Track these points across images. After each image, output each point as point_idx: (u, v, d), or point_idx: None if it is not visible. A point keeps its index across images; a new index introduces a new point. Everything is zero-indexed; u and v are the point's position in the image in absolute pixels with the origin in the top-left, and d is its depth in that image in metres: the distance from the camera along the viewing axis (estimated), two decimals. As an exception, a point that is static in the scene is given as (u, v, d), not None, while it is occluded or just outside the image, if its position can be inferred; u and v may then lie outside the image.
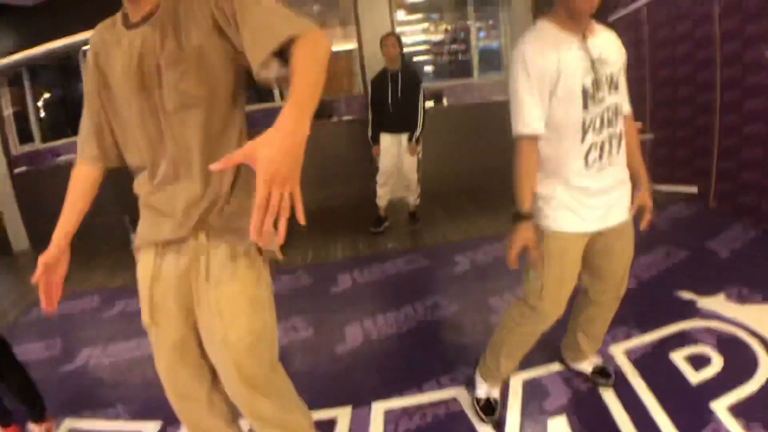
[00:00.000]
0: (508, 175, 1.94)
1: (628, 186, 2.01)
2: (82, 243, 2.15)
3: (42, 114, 7.20)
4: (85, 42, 6.35)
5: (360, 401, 2.41)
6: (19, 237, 6.42)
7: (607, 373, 2.40)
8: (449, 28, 7.87)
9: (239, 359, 1.45)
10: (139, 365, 3.12)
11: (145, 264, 1.53)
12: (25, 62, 6.54)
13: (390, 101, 4.75)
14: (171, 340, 1.52)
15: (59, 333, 3.69)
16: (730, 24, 4.20)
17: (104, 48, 1.42)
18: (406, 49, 5.58)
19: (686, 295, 3.11)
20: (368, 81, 5.18)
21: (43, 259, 1.41)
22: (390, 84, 4.74)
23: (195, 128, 1.38)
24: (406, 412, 2.35)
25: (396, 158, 4.89)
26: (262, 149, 0.94)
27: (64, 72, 7.87)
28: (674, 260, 3.68)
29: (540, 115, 1.82)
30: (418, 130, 4.81)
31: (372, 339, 3.10)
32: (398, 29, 6.43)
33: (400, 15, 7.30)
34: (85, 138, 1.53)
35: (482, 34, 7.47)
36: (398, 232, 5.05)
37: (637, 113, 4.57)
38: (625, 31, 5.48)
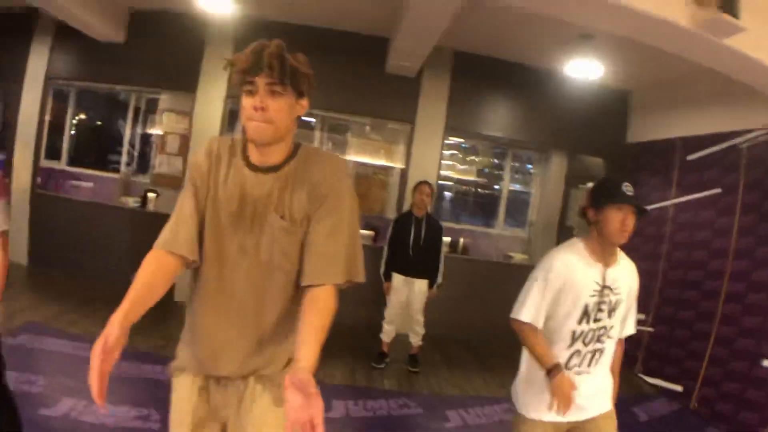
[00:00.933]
0: (510, 338, 2.29)
1: (607, 394, 2.35)
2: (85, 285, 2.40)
3: (72, 132, 7.66)
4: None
5: None
6: (19, 250, 6.64)
7: None
8: (484, 169, 8.44)
9: None
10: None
11: (189, 387, 1.70)
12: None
13: (411, 245, 5.00)
14: None
15: (43, 371, 3.76)
16: (744, 243, 4.70)
17: (218, 164, 1.66)
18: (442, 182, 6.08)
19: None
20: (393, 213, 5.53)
21: (103, 345, 1.30)
22: (413, 229, 4.99)
23: (280, 284, 1.62)
24: None
25: (405, 299, 5.13)
26: (302, 376, 1.24)
27: (108, 103, 8.44)
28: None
29: (542, 315, 2.23)
30: (440, 278, 5.11)
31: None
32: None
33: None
34: (177, 229, 1.61)
35: (516, 186, 7.97)
36: (396, 369, 5.16)
37: (643, 305, 4.98)
38: (649, 224, 6.02)
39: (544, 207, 7.31)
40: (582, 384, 2.23)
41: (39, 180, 6.78)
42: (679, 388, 5.21)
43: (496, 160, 8.28)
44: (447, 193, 8.42)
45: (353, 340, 5.49)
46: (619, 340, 2.37)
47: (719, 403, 4.70)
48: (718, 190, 5.09)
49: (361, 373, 4.92)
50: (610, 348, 2.29)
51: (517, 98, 6.70)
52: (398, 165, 7.00)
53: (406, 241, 5.00)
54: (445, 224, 5.55)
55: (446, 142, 7.08)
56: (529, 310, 2.23)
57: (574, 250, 2.27)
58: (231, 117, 6.60)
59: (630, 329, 2.40)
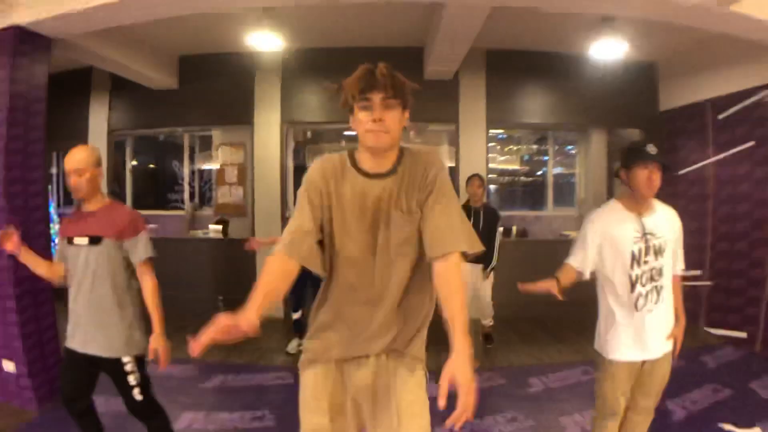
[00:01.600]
0: (574, 309, 2.83)
1: (667, 329, 2.85)
2: (173, 314, 2.98)
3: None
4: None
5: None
6: None
7: None
8: (525, 150, 9.00)
9: None
10: (242, 430, 3.94)
11: (323, 375, 1.99)
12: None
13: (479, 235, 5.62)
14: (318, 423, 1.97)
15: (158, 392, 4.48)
16: None
17: (333, 178, 1.92)
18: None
19: (727, 426, 3.84)
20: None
21: (234, 322, 1.60)
22: (472, 219, 5.51)
23: (403, 268, 1.91)
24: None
25: (472, 286, 5.65)
26: (461, 377, 1.57)
27: (160, 146, 9.18)
28: (720, 397, 4.42)
29: (588, 265, 2.79)
30: (494, 262, 5.64)
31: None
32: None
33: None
34: (299, 239, 1.86)
35: (559, 169, 8.50)
36: (475, 351, 5.79)
37: (698, 262, 5.46)
38: (691, 186, 6.53)
39: (591, 183, 7.85)
40: (653, 322, 2.74)
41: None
42: (743, 334, 5.66)
43: (536, 146, 8.86)
44: (491, 186, 8.97)
45: (434, 332, 6.06)
46: (674, 277, 2.89)
47: (784, 343, 5.13)
48: (751, 143, 5.58)
49: (445, 356, 5.51)
50: (667, 285, 2.79)
51: (550, 85, 7.24)
52: (448, 164, 7.59)
53: None
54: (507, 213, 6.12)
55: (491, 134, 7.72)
56: (575, 257, 2.81)
57: (609, 208, 2.83)
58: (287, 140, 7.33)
59: (680, 266, 2.93)
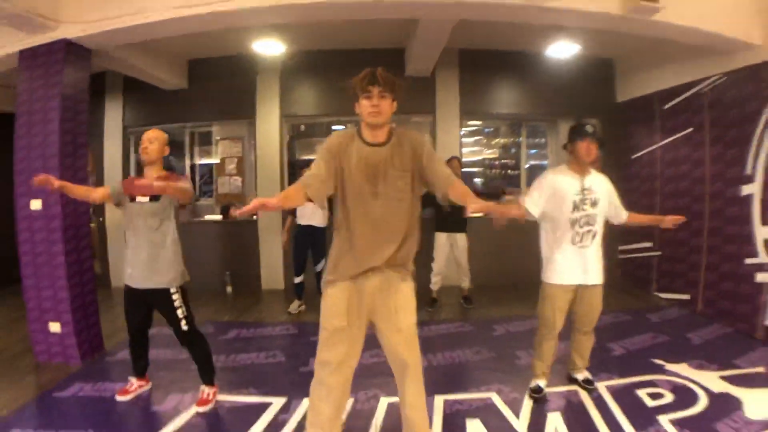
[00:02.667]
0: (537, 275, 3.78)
1: (599, 271, 3.86)
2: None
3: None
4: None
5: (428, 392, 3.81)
6: (119, 275, 7.97)
7: (591, 382, 4.16)
8: (503, 143, 9.89)
9: (406, 340, 2.84)
10: (263, 366, 4.86)
11: (341, 289, 2.78)
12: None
13: (450, 208, 6.35)
14: (353, 336, 2.79)
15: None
16: (716, 169, 5.98)
17: (344, 147, 2.70)
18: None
19: (658, 361, 4.71)
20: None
21: (264, 202, 2.29)
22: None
23: (400, 210, 2.75)
24: (459, 403, 3.97)
25: (449, 254, 6.61)
26: (475, 200, 2.50)
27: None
28: (657, 342, 5.29)
29: (539, 209, 3.75)
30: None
31: (435, 365, 4.78)
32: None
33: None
34: (313, 180, 2.61)
35: (533, 152, 9.35)
36: (452, 310, 6.72)
37: (649, 234, 6.40)
38: (643, 167, 7.45)
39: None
40: (583, 255, 3.76)
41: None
42: (686, 296, 6.54)
43: (512, 139, 9.72)
44: (472, 169, 9.87)
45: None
46: (630, 216, 3.98)
47: (719, 302, 5.93)
48: (690, 129, 6.46)
49: (422, 314, 6.39)
50: (600, 231, 3.80)
51: (518, 80, 8.12)
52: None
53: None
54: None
55: (472, 128, 8.89)
56: (531, 200, 3.75)
57: (559, 170, 3.84)
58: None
59: (622, 216, 3.93)
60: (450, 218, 6.43)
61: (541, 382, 4.06)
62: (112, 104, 8.18)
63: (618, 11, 4.69)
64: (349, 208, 2.76)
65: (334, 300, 2.81)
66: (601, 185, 3.81)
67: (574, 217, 3.74)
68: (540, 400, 3.96)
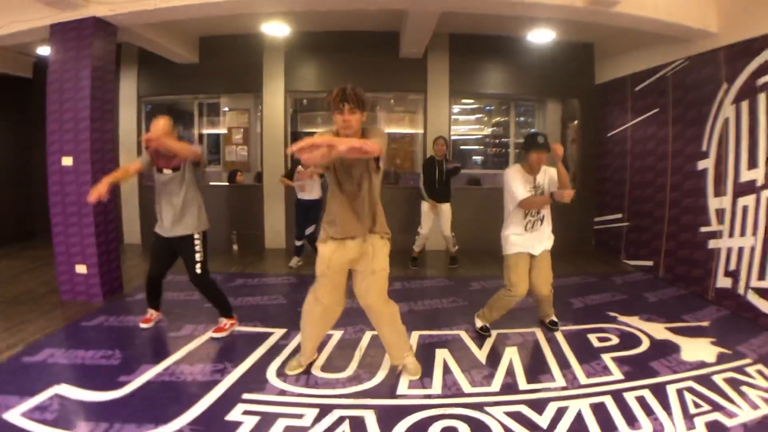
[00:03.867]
0: None
1: (550, 238, 4.56)
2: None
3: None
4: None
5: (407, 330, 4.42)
6: (134, 232, 8.90)
7: (555, 323, 4.87)
8: (497, 121, 10.53)
9: (377, 281, 3.52)
10: (266, 306, 5.54)
11: (330, 246, 3.46)
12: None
13: (437, 180, 7.05)
14: (333, 282, 3.53)
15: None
16: (677, 146, 6.54)
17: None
18: (459, 137, 8.67)
19: (612, 313, 5.33)
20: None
21: (314, 142, 2.58)
22: (437, 169, 7.04)
23: (369, 194, 3.40)
24: (431, 336, 4.66)
25: (434, 222, 7.22)
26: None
27: (170, 112, 10.33)
28: (615, 299, 5.89)
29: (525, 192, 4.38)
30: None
31: (415, 310, 5.44)
32: (452, 117, 9.17)
33: (456, 107, 10.13)
34: None
35: (521, 131, 9.90)
36: (437, 270, 7.36)
37: (619, 207, 7.13)
38: (616, 145, 8.06)
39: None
40: (535, 236, 4.47)
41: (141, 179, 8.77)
42: (650, 263, 7.16)
43: (504, 118, 10.36)
44: (469, 147, 10.68)
45: (400, 255, 7.54)
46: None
47: (677, 267, 6.52)
48: (656, 110, 7.04)
49: (411, 271, 7.20)
50: (546, 216, 4.49)
51: (503, 62, 8.68)
52: (419, 130, 9.13)
53: (433, 176, 7.06)
54: (469, 171, 8.18)
55: (473, 106, 9.60)
56: (522, 193, 4.34)
57: (517, 169, 4.43)
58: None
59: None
60: (439, 189, 7.05)
61: (487, 324, 4.80)
62: (127, 75, 8.72)
63: (581, 3, 5.26)
64: (335, 189, 3.42)
65: (324, 256, 3.52)
66: (546, 178, 4.42)
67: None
68: (485, 336, 4.68)
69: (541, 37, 7.25)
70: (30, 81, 9.03)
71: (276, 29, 7.19)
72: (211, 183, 9.20)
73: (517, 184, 4.30)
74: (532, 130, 9.22)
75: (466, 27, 8.02)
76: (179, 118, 9.81)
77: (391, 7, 5.88)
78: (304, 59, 8.49)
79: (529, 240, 4.45)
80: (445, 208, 7.16)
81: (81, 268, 5.57)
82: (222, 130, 9.62)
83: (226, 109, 9.45)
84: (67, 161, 5.46)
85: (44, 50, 6.95)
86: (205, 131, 9.89)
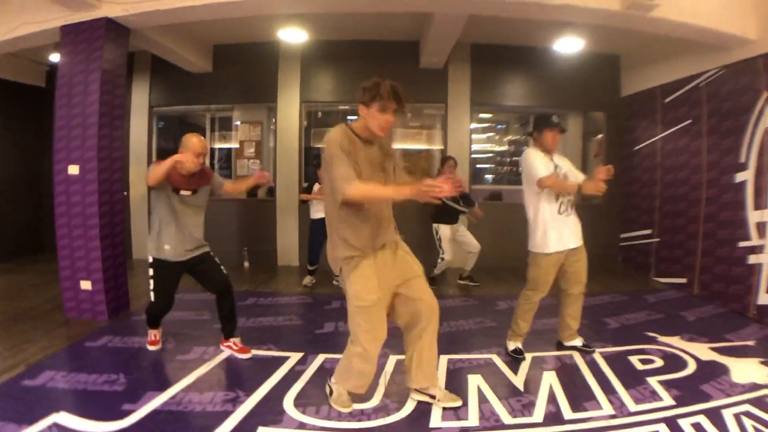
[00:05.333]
0: None
1: (579, 226, 4.19)
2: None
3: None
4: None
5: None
6: (141, 247, 8.38)
7: (590, 346, 4.43)
8: (511, 139, 10.17)
9: (424, 280, 3.28)
10: (281, 327, 5.14)
11: (369, 262, 3.05)
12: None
13: (451, 201, 6.62)
14: (384, 304, 3.13)
15: (205, 307, 5.43)
16: (712, 158, 6.19)
17: (350, 143, 2.88)
18: (474, 156, 8.29)
19: (651, 333, 4.94)
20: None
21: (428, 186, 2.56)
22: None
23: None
24: (461, 361, 4.25)
25: (455, 245, 6.84)
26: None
27: (181, 125, 10.14)
28: (652, 318, 5.51)
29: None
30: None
31: (440, 332, 4.95)
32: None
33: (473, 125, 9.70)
34: (350, 174, 2.78)
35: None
36: (458, 289, 6.97)
37: (648, 222, 6.68)
38: (644, 159, 7.67)
39: (567, 158, 9.04)
40: (569, 222, 4.09)
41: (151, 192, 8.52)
42: (683, 280, 6.75)
43: (522, 136, 10.05)
44: (483, 165, 10.33)
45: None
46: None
47: (714, 284, 6.14)
48: (689, 121, 6.67)
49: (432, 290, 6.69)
50: (571, 200, 4.13)
51: (527, 74, 8.35)
52: (438, 147, 8.80)
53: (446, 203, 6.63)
54: (487, 186, 7.87)
55: (485, 125, 9.24)
56: (545, 171, 3.99)
57: (534, 149, 4.17)
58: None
59: (581, 176, 4.18)
60: (453, 210, 6.67)
61: (520, 345, 4.42)
62: (140, 84, 8.45)
63: (616, 7, 4.94)
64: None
65: (365, 272, 3.09)
66: (562, 162, 4.20)
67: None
68: (520, 360, 4.28)
69: (567, 46, 6.87)
70: (43, 90, 8.82)
71: (293, 35, 6.85)
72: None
73: (538, 162, 4.02)
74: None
75: (488, 37, 7.73)
76: (191, 132, 9.46)
77: (416, 9, 5.60)
78: (321, 68, 8.19)
79: (566, 227, 4.11)
80: (462, 227, 6.88)
81: (86, 285, 5.21)
82: (234, 145, 9.31)
83: (238, 123, 9.12)
84: (73, 170, 5.13)
85: (57, 57, 6.69)
86: (217, 145, 9.60)
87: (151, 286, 4.16)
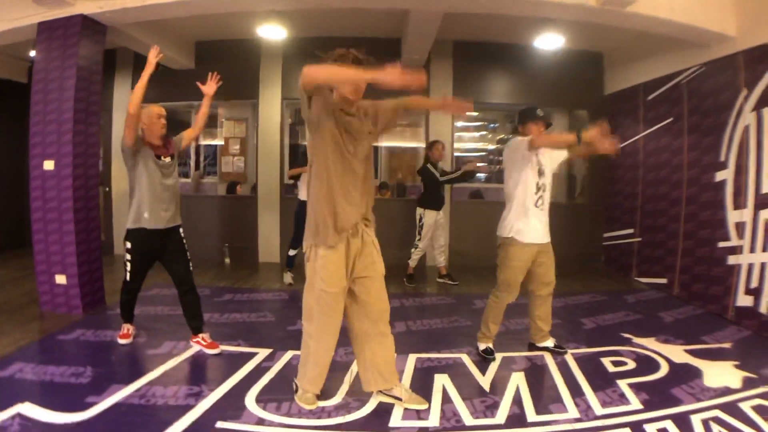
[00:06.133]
0: None
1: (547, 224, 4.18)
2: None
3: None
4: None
5: (402, 352, 4.20)
6: (122, 242, 8.43)
7: (562, 347, 4.42)
8: (501, 137, 10.21)
9: (382, 283, 3.21)
10: (253, 323, 5.15)
11: (339, 253, 3.04)
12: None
13: (439, 186, 6.72)
14: (342, 286, 3.10)
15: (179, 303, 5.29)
16: (693, 156, 6.18)
17: (339, 113, 2.95)
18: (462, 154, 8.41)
19: (626, 335, 4.93)
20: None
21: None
22: (438, 171, 6.67)
23: (369, 170, 3.17)
24: (430, 360, 4.26)
25: (433, 232, 6.85)
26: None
27: (174, 125, 10.17)
28: (629, 319, 5.50)
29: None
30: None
31: (413, 330, 5.06)
32: (457, 134, 8.83)
33: (459, 123, 9.73)
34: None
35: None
36: (436, 286, 6.98)
37: (630, 222, 6.68)
38: (627, 157, 7.66)
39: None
40: (541, 216, 4.10)
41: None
42: (664, 280, 6.76)
43: (508, 135, 10.00)
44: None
45: (395, 271, 7.15)
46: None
47: (693, 285, 6.13)
48: (670, 119, 6.67)
49: (409, 288, 6.79)
50: (547, 196, 4.12)
51: (510, 71, 8.36)
52: (421, 144, 8.79)
53: (436, 182, 6.67)
54: (474, 184, 7.90)
55: (475, 123, 9.40)
56: (525, 142, 3.98)
57: (520, 140, 4.09)
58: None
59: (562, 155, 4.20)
60: (439, 195, 6.71)
61: (491, 345, 4.41)
62: (122, 80, 8.45)
63: (592, 3, 4.94)
64: (335, 167, 3.02)
65: (332, 260, 3.10)
66: (549, 157, 4.15)
67: (537, 183, 4.10)
68: (490, 360, 4.29)
69: (548, 43, 6.85)
70: (25, 86, 8.76)
71: (272, 32, 6.82)
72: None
73: (523, 143, 4.02)
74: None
75: (471, 34, 7.73)
76: (176, 128, 9.48)
77: (391, 6, 5.60)
78: (303, 65, 8.06)
79: (539, 222, 4.12)
80: (443, 215, 6.88)
81: (61, 279, 5.24)
82: (219, 141, 9.33)
83: (224, 119, 9.14)
84: (48, 165, 5.15)
85: (35, 54, 6.73)
86: (203, 142, 9.60)
87: (128, 265, 4.24)
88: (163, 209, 4.13)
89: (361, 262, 3.14)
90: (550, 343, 4.48)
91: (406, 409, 3.35)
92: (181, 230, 4.30)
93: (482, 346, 4.37)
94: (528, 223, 4.08)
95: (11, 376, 3.68)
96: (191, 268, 4.32)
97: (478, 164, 6.40)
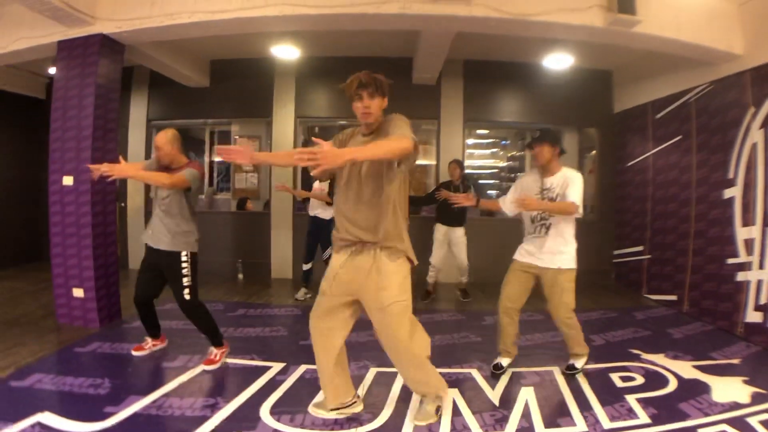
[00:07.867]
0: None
1: (558, 257, 4.11)
2: (201, 273, 4.37)
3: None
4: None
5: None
6: (138, 257, 8.51)
7: (574, 367, 4.40)
8: (512, 155, 10.28)
9: (390, 319, 3.05)
10: (266, 338, 5.23)
11: (339, 257, 3.15)
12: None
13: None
14: (329, 304, 3.20)
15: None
16: (702, 173, 6.23)
17: (347, 137, 3.14)
18: (474, 171, 8.58)
19: (635, 351, 4.96)
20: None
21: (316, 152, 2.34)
22: (452, 191, 6.53)
23: (375, 192, 3.00)
24: (441, 375, 4.24)
25: (446, 250, 6.89)
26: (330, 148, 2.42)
27: (189, 143, 10.31)
28: (638, 335, 5.53)
29: (507, 202, 4.28)
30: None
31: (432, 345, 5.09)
32: (468, 151, 8.99)
33: (470, 140, 9.91)
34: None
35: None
36: (449, 303, 7.01)
37: (640, 239, 6.73)
38: (636, 174, 7.74)
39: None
40: (538, 243, 4.14)
41: (148, 202, 8.50)
42: (673, 297, 6.77)
43: (520, 153, 10.17)
44: (486, 181, 10.53)
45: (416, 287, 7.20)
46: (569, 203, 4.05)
47: (703, 301, 6.15)
48: (679, 137, 6.73)
49: (421, 304, 6.82)
50: (555, 222, 4.07)
51: (520, 90, 8.46)
52: (432, 162, 8.92)
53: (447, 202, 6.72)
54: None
55: (486, 141, 9.38)
56: (504, 198, 4.31)
57: (528, 173, 4.32)
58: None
59: (571, 198, 4.01)
60: (455, 212, 6.71)
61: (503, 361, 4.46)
62: (138, 98, 8.63)
63: (600, 24, 5.03)
64: (342, 186, 3.12)
65: (332, 266, 3.24)
66: (559, 183, 4.05)
67: (533, 215, 4.19)
68: (498, 375, 4.34)
69: (558, 62, 6.98)
70: (42, 102, 8.99)
71: (286, 52, 7.00)
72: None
73: (516, 184, 4.37)
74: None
75: (481, 53, 7.85)
76: (190, 145, 9.76)
77: (402, 28, 5.68)
78: (315, 84, 8.33)
79: (533, 245, 4.18)
80: (460, 233, 6.85)
81: (78, 292, 5.35)
82: (233, 158, 9.45)
83: (237, 137, 9.26)
84: (67, 180, 5.30)
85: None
86: (216, 159, 9.74)
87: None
88: (156, 230, 4.23)
89: (366, 286, 3.12)
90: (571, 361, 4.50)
91: (416, 424, 3.41)
92: (182, 256, 4.25)
93: (495, 361, 4.47)
94: (524, 245, 4.30)
95: (30, 386, 3.78)
96: (186, 296, 4.28)
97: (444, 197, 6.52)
